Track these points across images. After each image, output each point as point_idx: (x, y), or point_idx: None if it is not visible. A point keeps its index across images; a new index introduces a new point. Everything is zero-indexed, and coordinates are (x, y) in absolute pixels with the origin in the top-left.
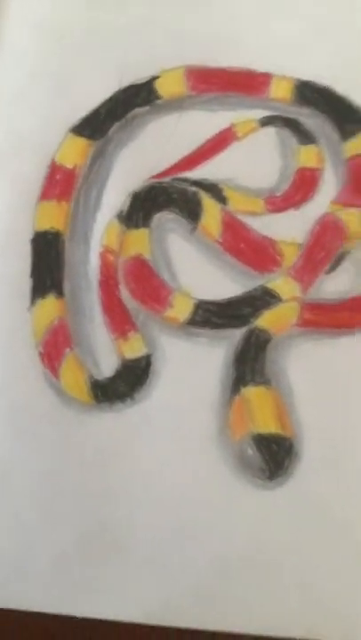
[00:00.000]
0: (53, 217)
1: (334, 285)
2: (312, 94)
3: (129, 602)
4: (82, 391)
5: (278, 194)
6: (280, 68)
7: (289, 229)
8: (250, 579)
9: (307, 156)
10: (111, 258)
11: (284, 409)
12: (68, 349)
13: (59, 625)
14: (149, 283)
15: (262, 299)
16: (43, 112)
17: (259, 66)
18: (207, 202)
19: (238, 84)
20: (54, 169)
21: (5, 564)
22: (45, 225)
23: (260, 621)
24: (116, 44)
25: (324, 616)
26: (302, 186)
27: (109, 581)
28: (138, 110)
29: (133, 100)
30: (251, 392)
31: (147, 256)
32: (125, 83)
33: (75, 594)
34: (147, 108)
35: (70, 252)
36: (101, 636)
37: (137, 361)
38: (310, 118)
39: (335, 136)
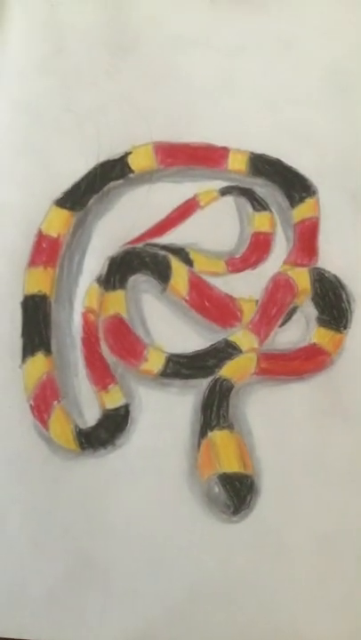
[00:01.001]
0: (41, 281)
1: (287, 337)
2: (264, 166)
3: (112, 628)
4: (68, 440)
5: (237, 256)
6: (236, 141)
7: (247, 287)
8: (217, 603)
9: (260, 221)
10: (92, 317)
11: (245, 449)
12: (56, 402)
13: None
14: (126, 339)
15: (225, 351)
16: (28, 186)
17: (217, 139)
18: (175, 264)
19: (200, 157)
20: (40, 238)
21: (2, 597)
22: (34, 289)
23: None
24: (91, 122)
25: (284, 638)
26: (257, 248)
27: (94, 610)
28: (113, 184)
29: (109, 175)
30: (216, 435)
31: (124, 315)
32: (101, 158)
33: (64, 622)
34: (121, 181)
35: (56, 313)
36: None
37: (117, 410)
38: (263, 187)
39: (285, 203)
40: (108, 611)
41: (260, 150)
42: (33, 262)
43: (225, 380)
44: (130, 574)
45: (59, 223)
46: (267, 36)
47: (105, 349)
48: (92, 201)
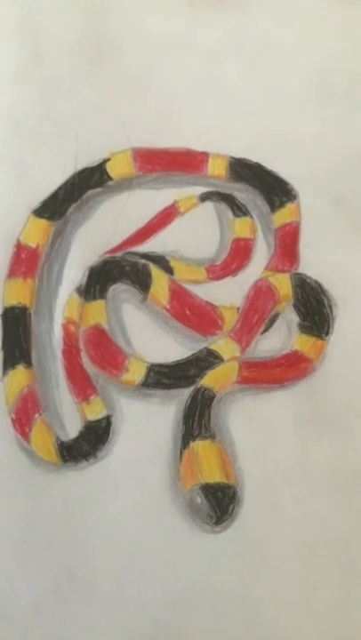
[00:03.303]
0: (20, 293)
1: (268, 344)
2: (244, 171)
3: (97, 638)
4: (50, 453)
5: (218, 263)
6: (215, 146)
7: (228, 295)
8: (201, 613)
9: (241, 227)
10: (72, 328)
11: (227, 459)
12: (37, 415)
13: None
14: (107, 350)
15: (206, 359)
16: (5, 196)
17: (197, 144)
18: (156, 273)
19: (180, 163)
20: (19, 249)
21: None
22: (13, 300)
23: None
24: (68, 130)
25: None
26: (238, 255)
27: (79, 622)
28: (92, 192)
29: (87, 183)
30: (198, 446)
31: (104, 325)
32: (80, 166)
33: (50, 634)
34: (99, 189)
35: (36, 325)
36: None
37: (98, 422)
38: (243, 192)
39: (266, 208)
40: (92, 622)
41: (240, 155)
42: (12, 273)
43: (206, 389)
44: (114, 585)
45: (37, 233)
46: (246, 38)
47: (86, 360)
48: (70, 210)
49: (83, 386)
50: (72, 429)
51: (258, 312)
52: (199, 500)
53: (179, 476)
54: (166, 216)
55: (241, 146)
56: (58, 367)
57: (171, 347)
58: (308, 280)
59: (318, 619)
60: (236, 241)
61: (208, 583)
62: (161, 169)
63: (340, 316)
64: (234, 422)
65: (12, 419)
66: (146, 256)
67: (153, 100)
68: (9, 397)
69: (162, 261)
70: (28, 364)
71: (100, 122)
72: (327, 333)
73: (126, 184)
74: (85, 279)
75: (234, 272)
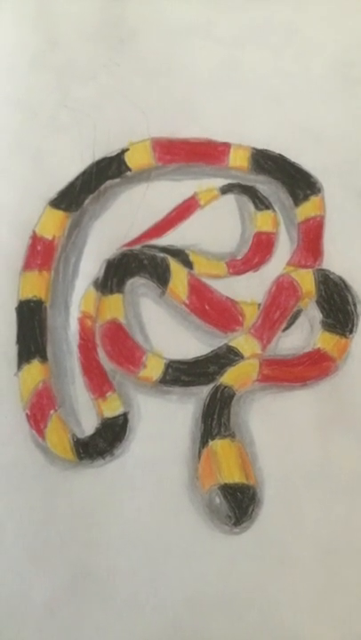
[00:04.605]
0: (35, 286)
1: (290, 342)
2: (267, 162)
3: (112, 639)
4: (66, 450)
5: (239, 257)
6: (237, 136)
7: (249, 290)
8: (219, 615)
9: (263, 221)
10: (89, 323)
11: (247, 459)
12: (52, 411)
13: None
14: (124, 345)
15: (226, 357)
16: (22, 186)
17: (218, 134)
18: (175, 267)
19: (200, 154)
20: (35, 240)
21: (1, 609)
22: (28, 293)
23: None
24: (86, 118)
25: None
26: (260, 249)
27: (94, 621)
28: (109, 182)
29: (105, 173)
30: (217, 445)
31: (121, 320)
32: (98, 156)
33: (64, 634)
34: (117, 180)
35: (52, 319)
36: None
37: (115, 419)
38: (266, 185)
39: (289, 201)
40: (107, 622)
41: (262, 146)
42: (28, 266)
43: (226, 387)
44: (129, 585)
45: (53, 225)
46: (269, 25)
47: (102, 356)
48: (87, 201)
49: (99, 382)
50: (88, 426)
51: (280, 308)
52: (218, 500)
53: (197, 476)
54: (186, 208)
55: (264, 136)
56: (74, 362)
57: (190, 343)
58: (331, 276)
59: (338, 623)
60: (258, 235)
61: (226, 585)
62: (181, 160)
63: None
64: (254, 421)
65: (26, 414)
66: (165, 249)
67: (173, 88)
68: (24, 393)
69: (181, 255)
70: (44, 358)
71: (119, 110)
72: (351, 331)
73: (145, 175)
74: (102, 272)
75: (255, 267)
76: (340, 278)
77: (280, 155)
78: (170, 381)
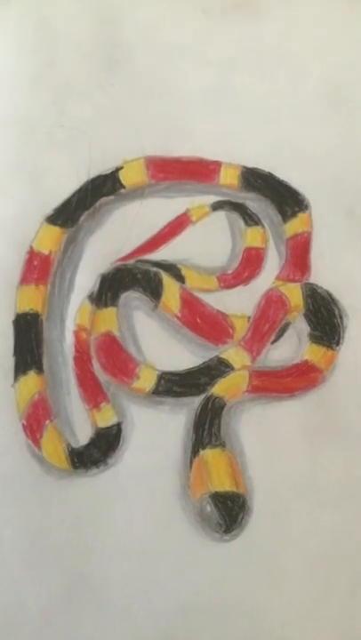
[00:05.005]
0: (32, 299)
1: (279, 354)
2: (256, 180)
3: None
4: (61, 459)
5: (229, 272)
6: (228, 155)
7: (239, 304)
8: (210, 623)
9: (252, 236)
10: (84, 335)
11: (237, 468)
12: (48, 421)
13: None
14: (118, 357)
15: (217, 368)
16: (19, 202)
17: (209, 153)
18: (167, 281)
19: (192, 172)
20: (32, 255)
21: None
22: (25, 307)
23: None
24: (82, 137)
25: None
26: (249, 264)
27: (89, 629)
28: (104, 199)
29: (100, 190)
30: (208, 454)
31: (115, 332)
32: (93, 173)
33: None
34: (112, 197)
35: (48, 331)
36: None
37: (109, 429)
38: (255, 202)
39: (277, 218)
40: (102, 629)
41: (252, 164)
42: (25, 280)
43: (217, 397)
44: (123, 593)
45: (50, 240)
46: (260, 47)
47: (97, 367)
48: (83, 217)
49: (93, 393)
50: (83, 436)
51: (269, 321)
52: (209, 508)
53: (188, 485)
54: (178, 224)
55: (253, 155)
56: (69, 374)
57: (182, 355)
58: (318, 290)
59: (327, 630)
60: (248, 250)
61: (217, 592)
62: (173, 177)
63: (350, 326)
64: (244, 431)
65: (22, 425)
66: (157, 264)
67: (166, 108)
68: (20, 403)
69: (173, 269)
70: (40, 370)
71: (114, 128)
72: (338, 343)
73: (139, 192)
74: (97, 286)
75: (245, 281)
76: (328, 292)
77: (269, 173)
78: (162, 392)
